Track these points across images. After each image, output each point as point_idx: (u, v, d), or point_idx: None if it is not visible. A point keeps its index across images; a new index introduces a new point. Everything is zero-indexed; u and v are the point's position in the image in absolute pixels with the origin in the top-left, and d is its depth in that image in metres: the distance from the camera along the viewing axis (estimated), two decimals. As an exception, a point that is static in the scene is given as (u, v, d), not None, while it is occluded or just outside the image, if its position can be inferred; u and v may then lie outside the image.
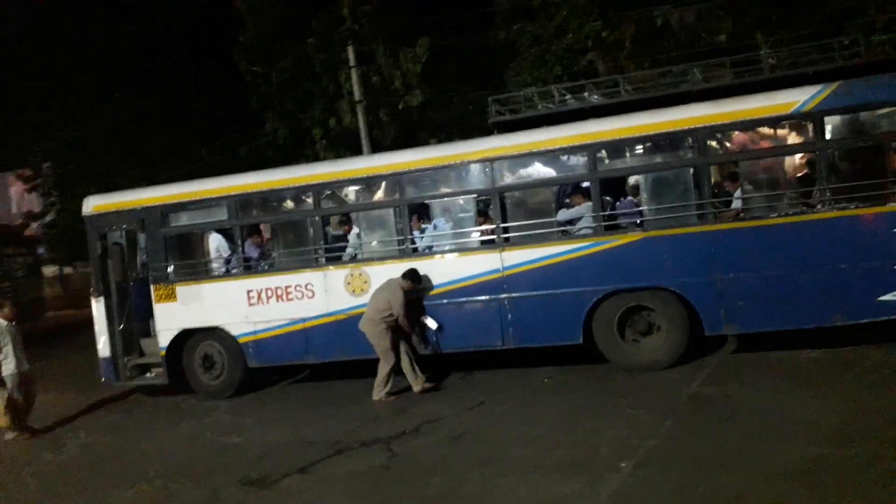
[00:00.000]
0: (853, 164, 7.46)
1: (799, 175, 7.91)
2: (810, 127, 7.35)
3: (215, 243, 9.42)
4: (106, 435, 8.41)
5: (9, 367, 8.42)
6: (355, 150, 20.77)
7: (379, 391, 8.11)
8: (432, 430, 6.90)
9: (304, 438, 7.18)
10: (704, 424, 6.00)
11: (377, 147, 20.45)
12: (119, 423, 8.94)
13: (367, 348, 8.29)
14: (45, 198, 28.54)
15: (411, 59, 20.51)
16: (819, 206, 7.33)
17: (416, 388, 8.15)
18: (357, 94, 20.11)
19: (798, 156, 7.89)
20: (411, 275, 8.08)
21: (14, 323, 8.60)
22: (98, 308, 9.65)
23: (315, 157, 21.93)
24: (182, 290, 9.24)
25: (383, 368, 8.10)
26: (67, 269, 31.57)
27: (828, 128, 7.28)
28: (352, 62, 20.15)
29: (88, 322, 10.07)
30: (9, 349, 8.41)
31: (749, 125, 7.62)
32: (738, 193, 7.80)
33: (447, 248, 8.60)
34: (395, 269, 8.35)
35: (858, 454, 4.98)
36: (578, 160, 8.09)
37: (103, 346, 9.61)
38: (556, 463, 5.57)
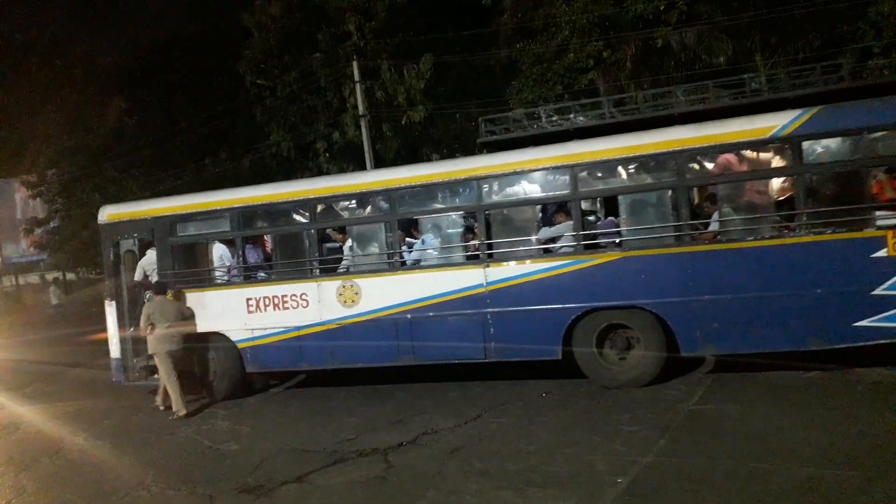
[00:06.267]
0: (831, 188, 7.50)
1: (777, 199, 7.86)
2: (788, 151, 7.34)
3: (219, 252, 9.80)
4: (104, 439, 8.43)
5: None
6: (358, 164, 20.94)
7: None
8: (429, 441, 6.93)
9: (301, 447, 7.21)
10: (700, 442, 6.03)
11: (380, 160, 20.63)
12: (117, 428, 8.96)
13: (357, 357, 8.86)
14: (49, 204, 28.60)
15: (415, 76, 20.72)
16: (796, 231, 7.35)
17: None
18: (361, 109, 20.29)
19: (776, 180, 7.87)
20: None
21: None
22: (110, 311, 10.02)
23: (318, 170, 22.13)
24: (188, 297, 9.59)
25: None
26: (70, 276, 31.58)
27: (805, 152, 7.25)
28: (356, 77, 20.36)
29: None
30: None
31: (728, 149, 7.63)
32: (716, 216, 7.77)
33: (434, 262, 8.79)
34: (384, 282, 8.70)
35: (853, 476, 5.00)
36: (561, 180, 8.18)
37: (114, 348, 9.96)
38: (552, 477, 5.61)
